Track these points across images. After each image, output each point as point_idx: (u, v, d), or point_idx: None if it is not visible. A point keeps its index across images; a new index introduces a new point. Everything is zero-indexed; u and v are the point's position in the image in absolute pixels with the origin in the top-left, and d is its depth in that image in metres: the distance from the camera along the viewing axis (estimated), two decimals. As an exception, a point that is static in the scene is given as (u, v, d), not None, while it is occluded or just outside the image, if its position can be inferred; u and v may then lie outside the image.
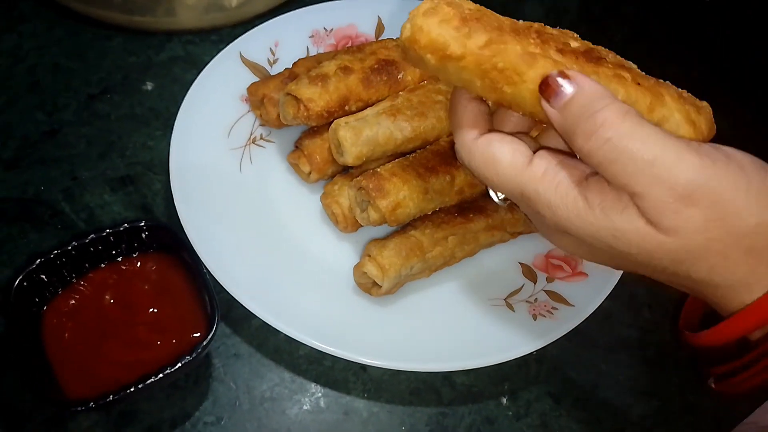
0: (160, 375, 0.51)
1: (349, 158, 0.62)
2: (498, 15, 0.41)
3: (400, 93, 0.66)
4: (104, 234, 0.57)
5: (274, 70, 0.75)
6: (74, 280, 0.57)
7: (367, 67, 0.67)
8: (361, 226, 0.64)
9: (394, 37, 0.74)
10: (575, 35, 0.43)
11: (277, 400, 0.58)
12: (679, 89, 0.44)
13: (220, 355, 0.60)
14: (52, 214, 0.66)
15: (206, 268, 0.58)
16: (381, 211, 0.59)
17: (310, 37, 0.78)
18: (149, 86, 0.76)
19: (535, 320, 0.61)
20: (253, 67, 0.75)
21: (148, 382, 0.51)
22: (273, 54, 0.76)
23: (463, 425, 0.59)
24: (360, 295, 0.62)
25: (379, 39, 0.78)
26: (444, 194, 0.61)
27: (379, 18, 0.81)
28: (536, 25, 0.42)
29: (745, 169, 0.37)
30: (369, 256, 0.60)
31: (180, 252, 0.58)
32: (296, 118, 0.65)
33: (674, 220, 0.36)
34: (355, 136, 0.62)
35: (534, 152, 0.41)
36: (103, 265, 0.58)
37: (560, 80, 0.38)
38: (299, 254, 0.64)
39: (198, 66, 0.74)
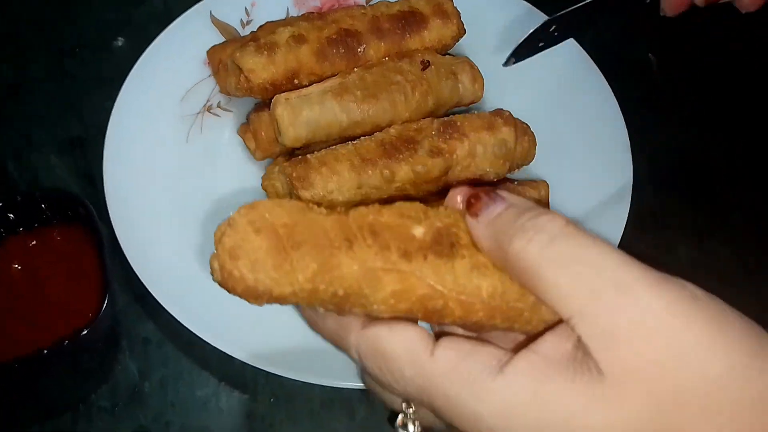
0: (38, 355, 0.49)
1: (286, 140, 0.56)
2: (316, 213, 0.35)
3: (355, 69, 0.59)
4: (17, 200, 0.55)
5: (246, 33, 0.69)
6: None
7: (324, 37, 0.59)
8: (301, 214, 0.58)
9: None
10: (417, 210, 0.36)
11: (178, 395, 0.54)
12: None
13: (130, 338, 0.57)
14: (-3, 172, 0.65)
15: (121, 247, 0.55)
16: (304, 204, 0.53)
17: (292, -3, 0.71)
18: (119, 42, 0.73)
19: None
20: (223, 28, 0.69)
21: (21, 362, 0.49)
22: (248, 15, 0.71)
23: (372, 449, 0.53)
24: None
25: (355, 4, 0.70)
26: (381, 190, 0.54)
27: (372, -20, 0.73)
28: (371, 215, 0.35)
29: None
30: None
31: (95, 228, 0.55)
32: (238, 89, 0.59)
33: (622, 362, 0.27)
34: (293, 116, 0.56)
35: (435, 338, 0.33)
36: (20, 230, 0.56)
37: (486, 199, 0.33)
38: (230, 239, 0.59)
39: (174, 25, 0.70)
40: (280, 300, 0.36)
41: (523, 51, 0.53)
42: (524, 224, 0.31)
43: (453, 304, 0.36)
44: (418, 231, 0.36)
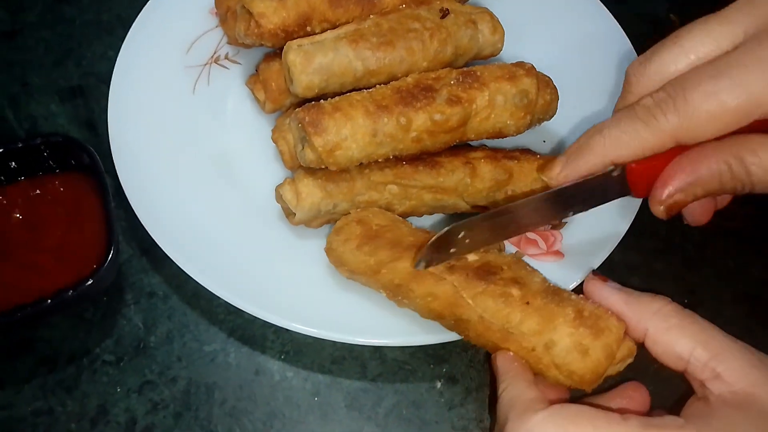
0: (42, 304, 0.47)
1: (298, 87, 0.54)
2: (406, 226, 0.49)
3: (371, 16, 0.56)
4: (18, 147, 0.53)
5: (254, -18, 0.66)
6: (-13, 193, 0.53)
7: (338, -18, 0.57)
8: (313, 166, 0.56)
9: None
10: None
11: (184, 349, 0.53)
12: (584, 306, 0.43)
13: (134, 291, 0.55)
14: (-5, 120, 0.62)
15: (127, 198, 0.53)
16: (317, 151, 0.51)
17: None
18: (121, -9, 0.70)
19: (487, 299, 0.52)
20: (230, -23, 0.66)
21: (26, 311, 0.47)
22: (256, -37, 0.67)
23: (384, 405, 0.51)
24: (292, 248, 0.54)
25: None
26: (397, 140, 0.52)
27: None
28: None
29: None
30: (293, 179, 0.53)
31: (99, 176, 0.53)
32: (248, 35, 0.56)
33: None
34: (306, 62, 0.53)
35: None
36: (21, 179, 0.54)
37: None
38: (238, 193, 0.57)
39: (179, -28, 0.67)
40: (355, 273, 0.48)
41: (435, 255, 0.45)
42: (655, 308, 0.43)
43: (476, 318, 0.44)
44: (471, 257, 0.46)
